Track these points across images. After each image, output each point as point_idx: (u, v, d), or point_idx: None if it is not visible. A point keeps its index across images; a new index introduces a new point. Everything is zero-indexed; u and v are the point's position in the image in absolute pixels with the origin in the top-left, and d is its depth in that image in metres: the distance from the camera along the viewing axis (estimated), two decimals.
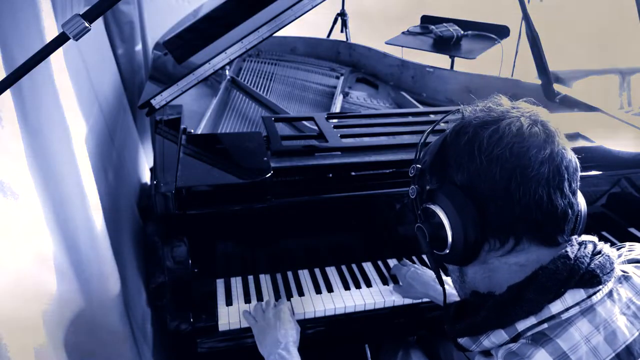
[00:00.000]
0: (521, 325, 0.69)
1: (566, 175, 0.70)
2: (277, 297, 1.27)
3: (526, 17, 1.81)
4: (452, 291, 0.95)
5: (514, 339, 0.70)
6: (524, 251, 0.72)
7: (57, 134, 0.95)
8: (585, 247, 0.72)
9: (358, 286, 1.33)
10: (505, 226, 0.71)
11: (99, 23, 1.86)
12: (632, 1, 1.58)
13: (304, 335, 1.27)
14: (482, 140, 0.70)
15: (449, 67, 2.57)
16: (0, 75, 0.79)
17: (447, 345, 1.34)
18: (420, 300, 1.30)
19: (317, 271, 1.37)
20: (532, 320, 0.68)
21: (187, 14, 2.16)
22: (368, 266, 1.40)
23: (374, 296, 1.29)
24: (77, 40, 0.66)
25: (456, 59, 2.58)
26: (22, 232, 0.88)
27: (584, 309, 0.68)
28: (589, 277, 0.68)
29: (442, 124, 0.90)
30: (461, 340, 0.77)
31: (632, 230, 1.60)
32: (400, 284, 1.31)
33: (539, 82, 1.91)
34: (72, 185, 1.00)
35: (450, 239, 0.73)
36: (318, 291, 1.30)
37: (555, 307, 0.67)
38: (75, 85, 1.08)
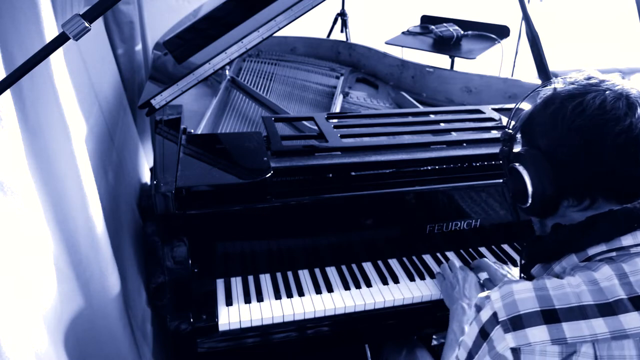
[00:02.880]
0: (592, 251, 0.77)
1: None
2: (277, 297, 1.27)
3: (526, 17, 1.81)
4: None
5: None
6: (600, 208, 0.80)
7: (57, 134, 0.95)
8: None
9: (358, 286, 1.33)
10: (579, 188, 0.80)
11: (99, 23, 1.86)
12: (632, 1, 1.58)
13: (305, 336, 1.27)
14: (566, 112, 0.78)
15: (449, 67, 2.57)
16: (0, 75, 0.80)
17: None
18: (420, 300, 1.30)
19: (317, 271, 1.37)
20: (602, 247, 0.76)
21: (187, 14, 2.16)
22: (368, 266, 1.40)
23: (374, 296, 1.29)
24: (77, 40, 0.66)
25: (456, 59, 2.58)
26: (22, 232, 0.88)
27: None
28: None
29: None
30: (534, 271, 0.87)
31: None
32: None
33: (539, 82, 1.91)
34: (72, 185, 1.00)
35: (530, 195, 0.84)
36: (318, 291, 1.30)
37: (626, 240, 0.75)
38: (75, 85, 1.08)
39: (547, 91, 0.85)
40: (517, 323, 0.70)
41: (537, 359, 0.68)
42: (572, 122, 0.77)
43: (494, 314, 0.73)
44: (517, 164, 0.87)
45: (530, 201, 0.85)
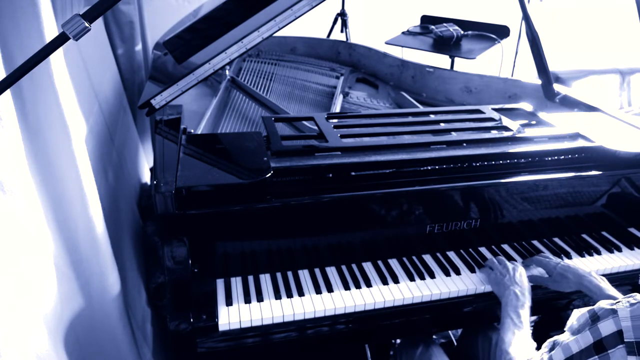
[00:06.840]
0: None
1: None
2: (277, 297, 1.27)
3: (526, 17, 1.81)
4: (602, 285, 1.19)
5: None
6: None
7: (57, 134, 0.95)
8: None
9: (358, 286, 1.32)
10: None
11: (99, 23, 1.86)
12: (632, 2, 1.58)
13: (305, 336, 1.27)
14: None
15: (449, 67, 2.57)
16: (0, 75, 0.80)
17: (486, 341, 1.38)
18: (420, 300, 1.31)
19: (317, 271, 1.37)
20: None
21: (187, 14, 2.17)
22: (368, 266, 1.40)
23: (374, 296, 1.29)
24: (77, 40, 0.66)
25: (456, 59, 2.58)
26: (22, 232, 0.88)
27: None
28: None
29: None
30: None
31: (632, 230, 1.60)
32: (547, 275, 1.34)
33: (539, 82, 1.91)
34: (72, 185, 1.00)
35: None
36: (318, 291, 1.30)
37: None
38: (75, 85, 1.08)
39: None
40: None
41: None
42: None
43: (619, 332, 0.70)
44: None
45: None
